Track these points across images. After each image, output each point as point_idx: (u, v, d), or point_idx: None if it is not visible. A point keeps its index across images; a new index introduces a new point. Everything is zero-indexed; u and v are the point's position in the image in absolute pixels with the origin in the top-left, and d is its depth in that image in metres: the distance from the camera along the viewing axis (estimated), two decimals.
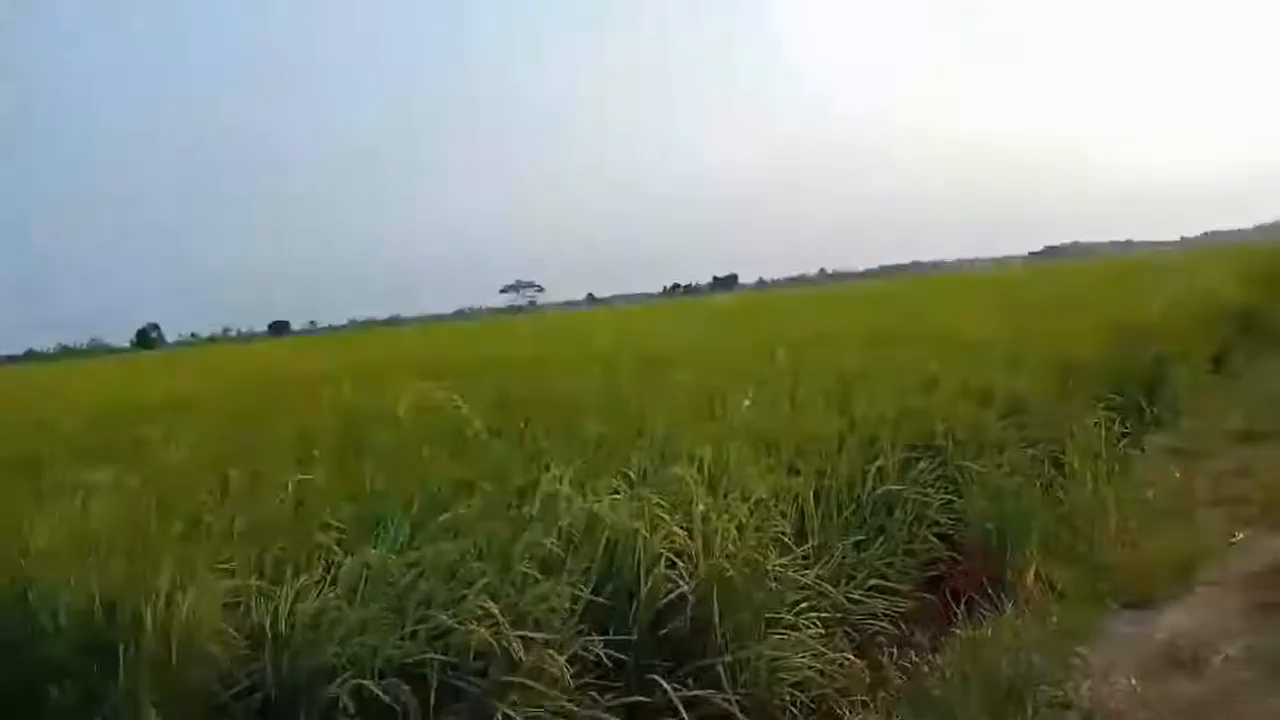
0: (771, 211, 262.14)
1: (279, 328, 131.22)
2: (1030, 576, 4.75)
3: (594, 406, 6.53)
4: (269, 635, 3.19)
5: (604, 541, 3.69)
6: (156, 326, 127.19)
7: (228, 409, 7.91)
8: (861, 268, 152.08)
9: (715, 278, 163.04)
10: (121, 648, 3.06)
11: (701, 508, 4.03)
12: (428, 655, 3.07)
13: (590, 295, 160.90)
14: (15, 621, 3.39)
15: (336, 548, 3.74)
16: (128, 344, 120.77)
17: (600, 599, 3.46)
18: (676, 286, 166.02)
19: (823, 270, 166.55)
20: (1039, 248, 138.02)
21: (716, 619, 3.44)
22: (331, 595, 3.34)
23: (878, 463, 5.15)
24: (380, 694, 2.97)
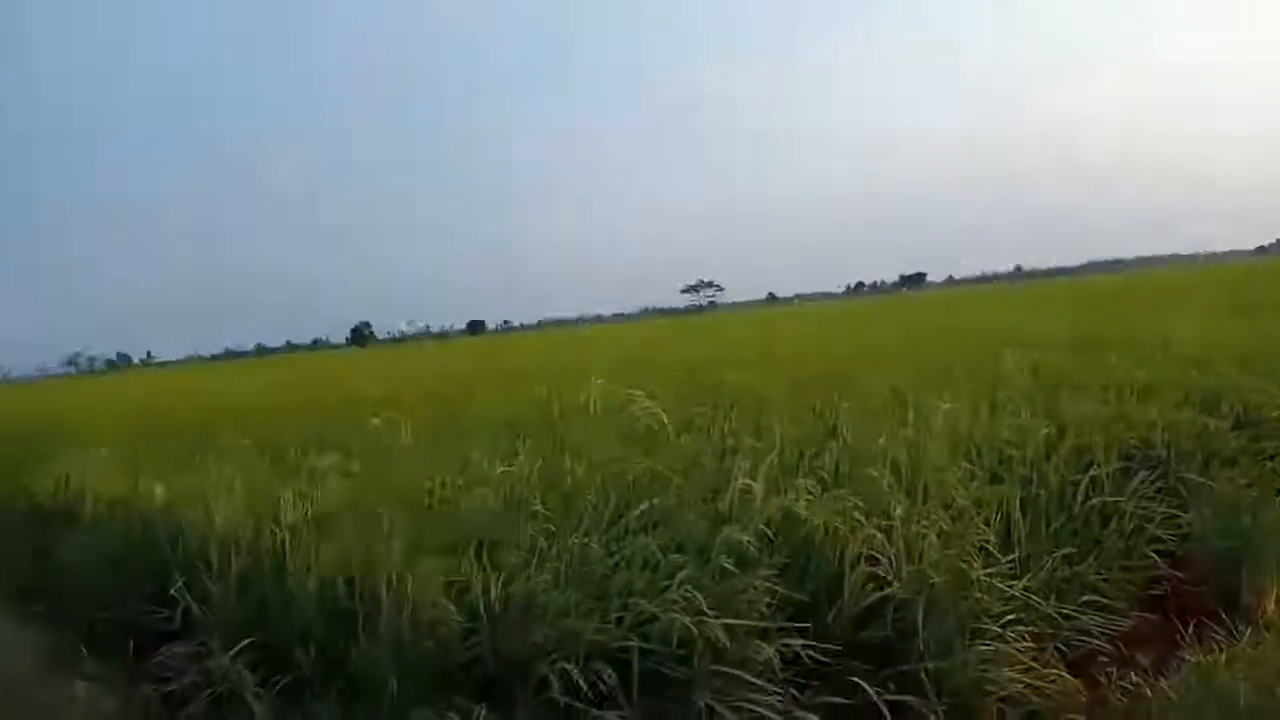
0: (962, 207, 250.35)
1: (476, 326, 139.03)
2: (1272, 600, 4.32)
3: (781, 405, 6.53)
4: (484, 614, 3.42)
5: (801, 540, 3.70)
6: (368, 325, 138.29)
7: (438, 402, 8.48)
8: (1061, 264, 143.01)
9: (902, 276, 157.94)
10: (361, 618, 3.36)
11: (900, 512, 3.96)
12: (631, 641, 3.18)
13: (770, 294, 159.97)
14: (271, 587, 3.82)
15: (542, 536, 3.94)
16: (344, 340, 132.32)
17: (798, 596, 3.47)
18: (860, 285, 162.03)
19: (1018, 268, 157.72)
20: (1270, 240, 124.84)
21: (920, 625, 3.37)
22: (540, 579, 3.53)
23: (1090, 472, 4.84)
24: (581, 677, 3.10)
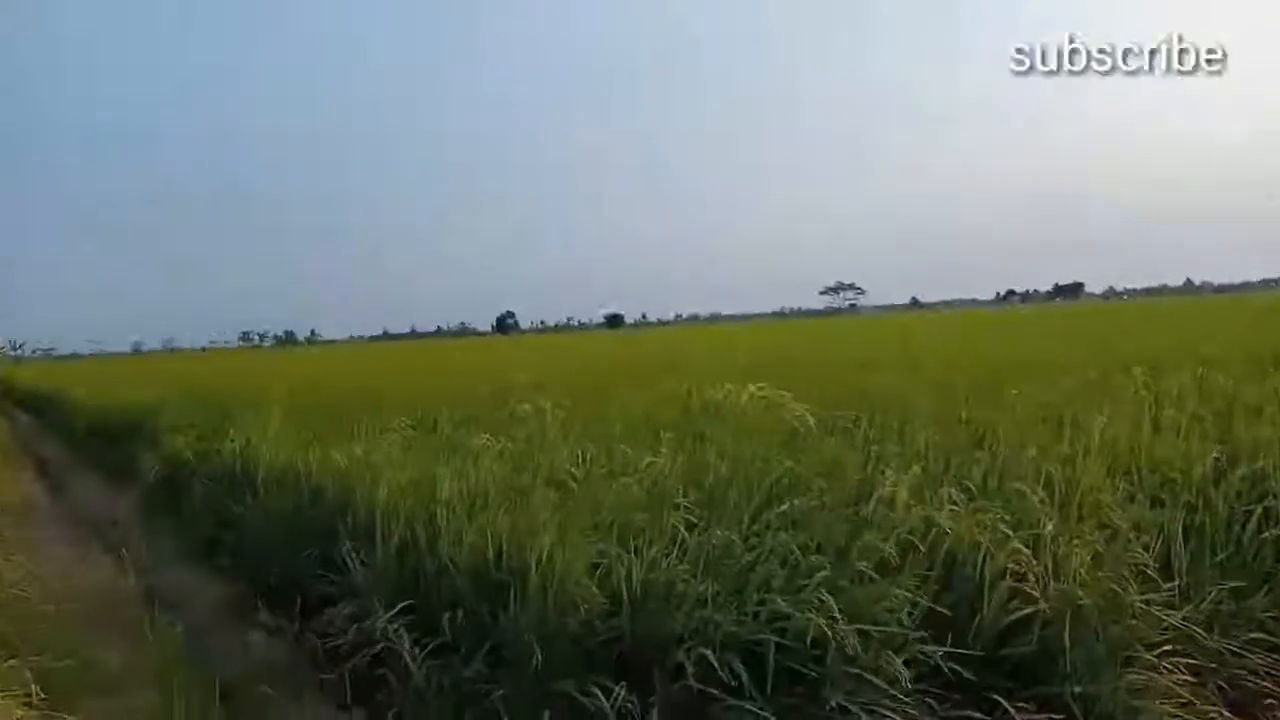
0: (1125, 214, 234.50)
1: (614, 320, 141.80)
2: None
3: (927, 412, 6.39)
4: (625, 597, 3.55)
5: (943, 551, 3.65)
6: (513, 314, 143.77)
7: (582, 390, 8.72)
8: (1240, 279, 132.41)
9: (1057, 285, 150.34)
10: (511, 590, 3.55)
11: (1050, 529, 3.84)
12: (767, 636, 3.23)
13: (914, 299, 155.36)
14: (427, 557, 4.08)
15: (683, 527, 4.03)
16: (489, 328, 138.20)
17: (939, 608, 3.42)
18: (1011, 293, 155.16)
19: (1189, 281, 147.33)
20: None
21: (1067, 646, 3.27)
22: (680, 569, 3.63)
23: (1264, 503, 4.53)
24: (717, 666, 3.17)
